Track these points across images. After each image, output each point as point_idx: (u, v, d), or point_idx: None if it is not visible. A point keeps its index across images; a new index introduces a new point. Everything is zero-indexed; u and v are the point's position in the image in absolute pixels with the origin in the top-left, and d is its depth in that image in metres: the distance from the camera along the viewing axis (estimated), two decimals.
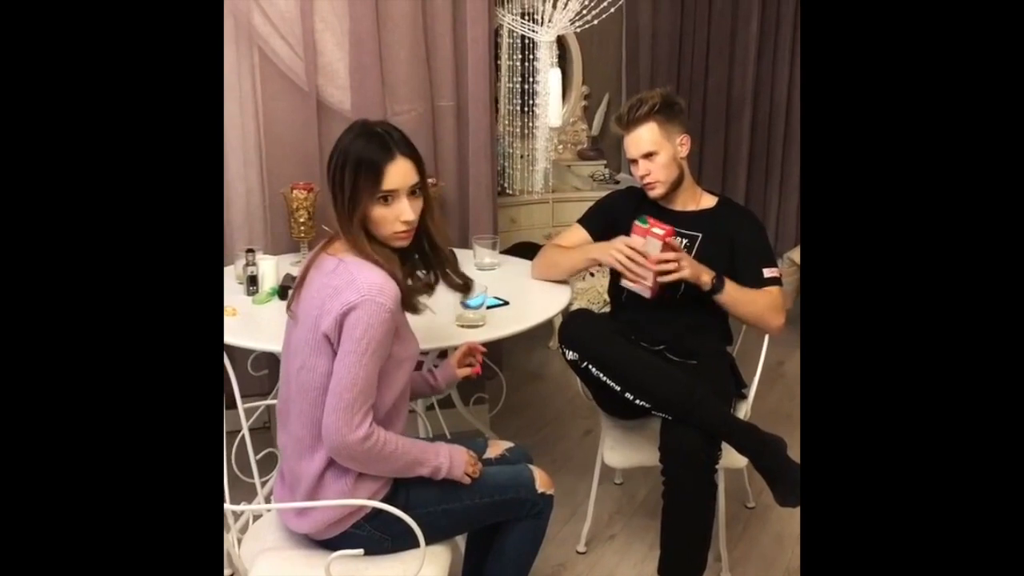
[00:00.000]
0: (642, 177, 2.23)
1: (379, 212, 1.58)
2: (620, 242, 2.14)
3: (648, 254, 2.08)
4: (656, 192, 2.25)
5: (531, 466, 1.78)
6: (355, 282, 1.52)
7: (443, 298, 2.03)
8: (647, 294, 2.13)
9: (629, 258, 2.10)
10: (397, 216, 1.58)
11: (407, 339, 1.65)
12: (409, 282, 1.65)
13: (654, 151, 2.20)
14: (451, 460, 1.65)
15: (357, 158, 1.56)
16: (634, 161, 2.24)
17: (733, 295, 2.12)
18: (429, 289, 1.69)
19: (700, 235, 2.24)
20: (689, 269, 2.07)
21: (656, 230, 2.07)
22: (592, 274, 3.72)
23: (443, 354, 2.60)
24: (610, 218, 2.35)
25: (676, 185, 2.25)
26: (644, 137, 2.19)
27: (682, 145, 2.23)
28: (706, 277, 2.10)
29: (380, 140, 1.57)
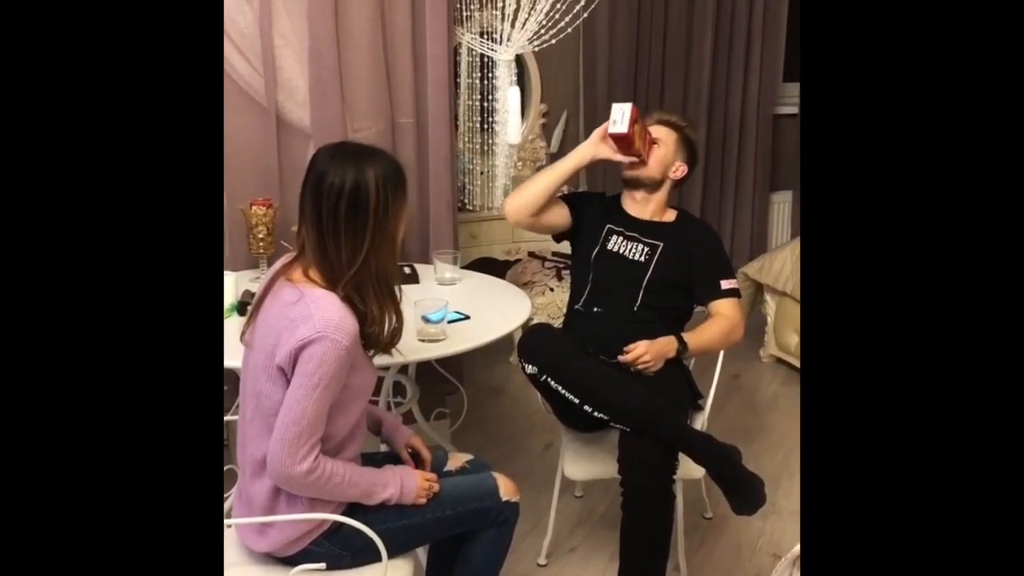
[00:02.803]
0: None
1: (404, 220, 1.61)
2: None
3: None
4: (632, 169, 2.34)
5: (495, 474, 1.79)
6: (312, 317, 1.49)
7: (404, 312, 2.05)
8: (643, 162, 2.29)
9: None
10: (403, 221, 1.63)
11: (364, 369, 1.63)
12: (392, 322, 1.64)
13: (660, 142, 2.33)
14: (402, 489, 1.64)
15: (388, 176, 1.55)
16: None
17: (696, 345, 2.23)
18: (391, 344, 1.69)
19: (661, 244, 2.32)
20: (656, 357, 2.15)
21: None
22: (552, 289, 3.75)
23: (403, 369, 2.61)
24: (583, 204, 2.44)
25: (653, 187, 2.34)
26: (660, 133, 2.34)
27: (678, 168, 2.35)
28: (671, 349, 2.19)
29: (386, 155, 1.60)
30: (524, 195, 2.35)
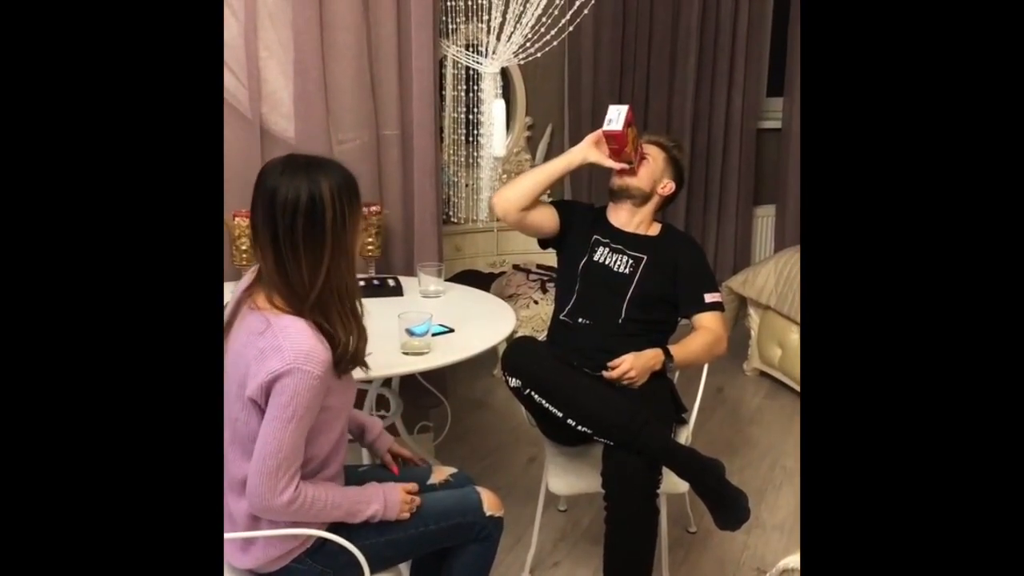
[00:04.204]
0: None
1: (360, 232, 1.55)
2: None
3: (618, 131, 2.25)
4: (621, 179, 2.36)
5: (478, 488, 1.77)
6: (282, 349, 1.44)
7: (387, 325, 2.04)
8: (632, 171, 2.34)
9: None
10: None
11: (340, 390, 1.59)
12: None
13: (649, 157, 2.37)
14: (385, 505, 1.62)
15: (342, 186, 1.48)
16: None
17: (680, 358, 2.23)
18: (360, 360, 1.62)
19: (645, 257, 2.33)
20: (641, 372, 2.15)
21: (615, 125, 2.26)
22: (536, 302, 3.75)
23: (387, 382, 2.60)
24: (572, 211, 2.45)
25: (642, 199, 2.37)
26: (650, 150, 2.39)
27: (665, 185, 2.39)
28: (657, 361, 2.19)
29: (337, 165, 1.53)
30: (514, 189, 2.36)
